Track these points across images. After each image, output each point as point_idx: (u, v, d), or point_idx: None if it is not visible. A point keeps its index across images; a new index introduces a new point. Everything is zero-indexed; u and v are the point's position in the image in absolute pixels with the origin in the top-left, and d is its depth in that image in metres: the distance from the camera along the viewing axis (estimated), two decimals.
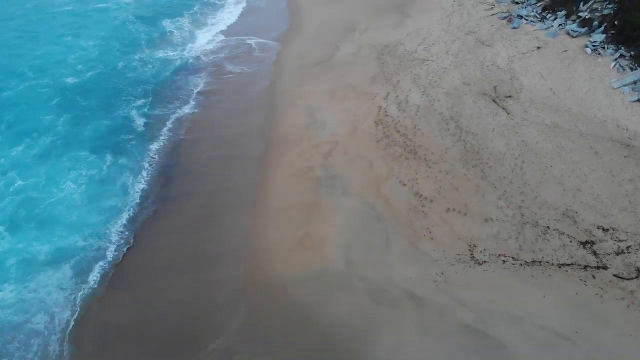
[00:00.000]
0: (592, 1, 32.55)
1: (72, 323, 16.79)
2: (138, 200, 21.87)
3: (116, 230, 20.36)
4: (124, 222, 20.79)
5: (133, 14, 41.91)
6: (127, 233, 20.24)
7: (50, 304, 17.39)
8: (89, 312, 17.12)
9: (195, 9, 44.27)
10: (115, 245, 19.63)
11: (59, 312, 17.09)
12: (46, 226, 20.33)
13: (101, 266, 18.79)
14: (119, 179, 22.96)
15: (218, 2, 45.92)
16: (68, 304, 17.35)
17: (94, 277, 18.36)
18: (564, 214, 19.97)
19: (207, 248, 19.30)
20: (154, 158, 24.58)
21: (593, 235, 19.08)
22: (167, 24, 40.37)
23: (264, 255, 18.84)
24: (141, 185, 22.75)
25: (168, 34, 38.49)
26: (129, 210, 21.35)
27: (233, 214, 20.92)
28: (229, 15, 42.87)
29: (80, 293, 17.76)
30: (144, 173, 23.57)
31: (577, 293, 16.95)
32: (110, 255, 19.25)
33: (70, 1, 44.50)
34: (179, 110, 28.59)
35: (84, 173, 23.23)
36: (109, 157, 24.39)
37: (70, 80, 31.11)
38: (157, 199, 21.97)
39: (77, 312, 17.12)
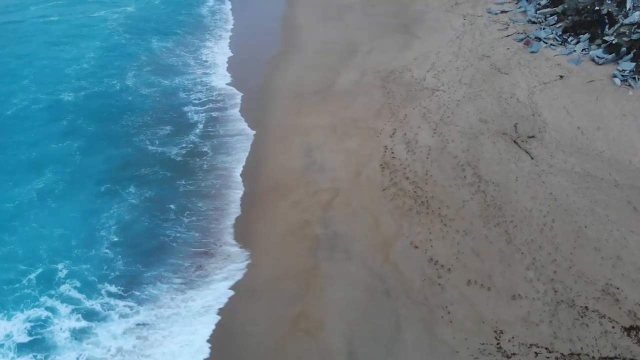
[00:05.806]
0: (619, 24, 29.60)
1: None
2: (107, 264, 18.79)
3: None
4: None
5: (123, 29, 38.69)
6: None
7: None
8: None
9: (187, 28, 40.62)
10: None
11: None
12: None
13: None
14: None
15: (209, 23, 42.26)
16: None
17: None
18: (603, 290, 17.00)
19: None
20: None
21: (638, 319, 16.15)
22: (157, 43, 36.92)
23: (249, 343, 15.81)
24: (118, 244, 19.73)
25: (159, 54, 35.14)
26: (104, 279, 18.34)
27: (215, 285, 17.87)
28: (219, 35, 39.42)
29: None
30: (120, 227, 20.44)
31: None
32: None
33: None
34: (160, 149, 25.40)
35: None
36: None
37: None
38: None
39: None
